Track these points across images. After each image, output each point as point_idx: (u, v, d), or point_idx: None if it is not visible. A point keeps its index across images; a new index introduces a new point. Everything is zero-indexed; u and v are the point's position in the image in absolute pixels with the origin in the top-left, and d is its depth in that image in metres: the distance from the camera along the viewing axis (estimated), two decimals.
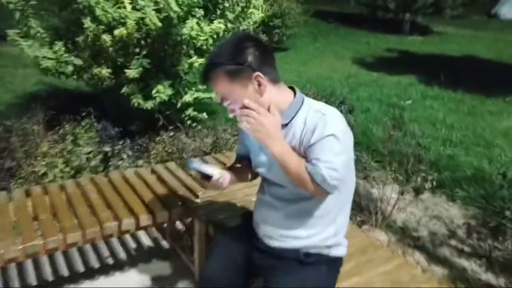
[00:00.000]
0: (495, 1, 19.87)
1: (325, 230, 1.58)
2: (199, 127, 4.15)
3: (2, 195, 2.40)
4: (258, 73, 1.42)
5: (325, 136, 1.39)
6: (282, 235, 1.60)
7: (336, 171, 1.39)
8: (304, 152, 1.46)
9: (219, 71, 1.43)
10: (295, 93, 1.53)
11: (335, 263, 1.65)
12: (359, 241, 2.11)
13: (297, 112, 1.49)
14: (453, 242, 3.24)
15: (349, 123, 3.77)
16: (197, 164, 1.65)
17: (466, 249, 3.13)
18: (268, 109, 1.45)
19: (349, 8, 15.80)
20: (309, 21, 13.85)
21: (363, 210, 3.41)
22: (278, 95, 1.48)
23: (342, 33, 13.18)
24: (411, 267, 1.98)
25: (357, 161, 3.96)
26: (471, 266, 2.97)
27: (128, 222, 2.19)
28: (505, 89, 7.00)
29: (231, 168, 1.74)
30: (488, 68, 9.06)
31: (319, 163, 1.39)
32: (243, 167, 1.76)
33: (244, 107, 1.43)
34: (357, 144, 4.36)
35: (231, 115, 1.51)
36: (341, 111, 3.70)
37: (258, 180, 1.76)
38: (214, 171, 1.62)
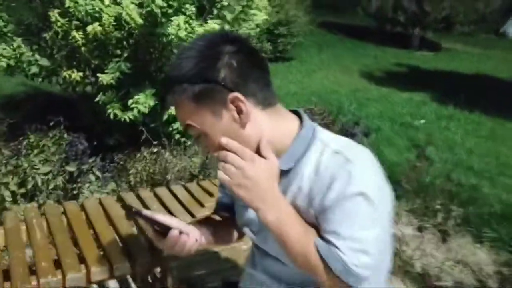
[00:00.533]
0: (504, 20, 19.58)
1: None
2: (189, 143, 3.62)
3: None
4: (236, 94, 0.88)
5: (350, 196, 0.86)
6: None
7: (367, 254, 0.85)
8: (315, 218, 0.91)
9: (180, 93, 0.90)
10: (301, 121, 0.98)
11: None
12: None
13: (306, 151, 0.94)
14: None
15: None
16: (147, 211, 1.07)
17: None
18: (257, 150, 0.91)
19: (356, 20, 15.40)
20: (314, 31, 13.44)
21: None
22: (272, 125, 0.94)
23: (348, 45, 12.74)
24: None
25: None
26: None
27: (75, 277, 1.64)
28: None
29: (205, 222, 1.17)
30: (502, 88, 8.59)
31: (338, 240, 0.86)
32: (224, 221, 1.19)
33: (221, 147, 0.90)
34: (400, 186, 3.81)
35: (204, 154, 0.96)
36: (354, 134, 3.08)
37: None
38: (173, 222, 1.05)
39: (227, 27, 3.00)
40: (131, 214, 0.97)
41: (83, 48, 2.75)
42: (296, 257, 0.89)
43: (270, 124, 0.93)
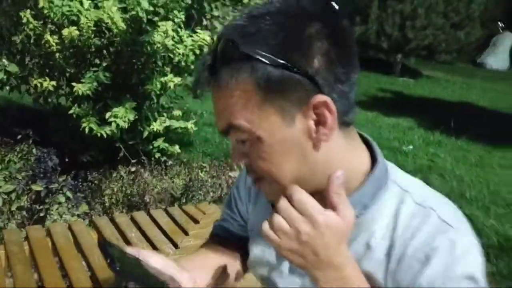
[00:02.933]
0: (480, 51, 20.11)
1: None
2: (170, 162, 3.36)
3: None
4: (327, 98, 0.59)
5: (456, 278, 0.61)
6: None
7: None
8: (389, 273, 0.65)
9: (245, 76, 0.59)
10: (371, 153, 0.73)
11: None
12: None
13: (378, 196, 0.68)
14: None
15: None
16: (131, 250, 0.77)
17: None
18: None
19: None
20: None
21: None
22: (344, 154, 0.66)
23: None
24: None
25: None
26: None
27: None
28: (509, 140, 6.46)
29: (200, 262, 0.87)
30: (486, 116, 8.65)
31: None
32: (225, 255, 0.89)
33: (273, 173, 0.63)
34: None
35: (237, 162, 0.71)
36: None
37: None
38: (167, 267, 0.76)
39: None
40: (108, 255, 0.65)
41: (57, 54, 2.49)
42: None
43: (344, 151, 0.66)
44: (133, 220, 2.04)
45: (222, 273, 0.86)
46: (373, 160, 0.70)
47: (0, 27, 2.74)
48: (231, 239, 0.91)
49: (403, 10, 12.24)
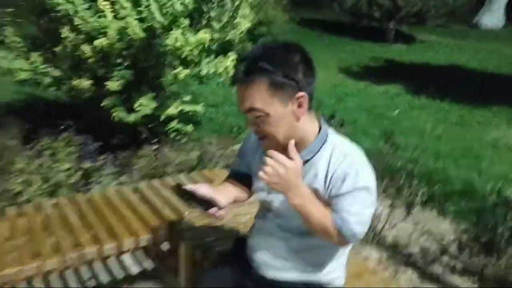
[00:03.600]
0: (476, 11, 20.21)
1: (330, 264, 1.46)
2: (184, 139, 4.02)
3: None
4: (304, 93, 1.24)
5: (359, 188, 1.28)
6: (283, 267, 1.46)
7: (366, 224, 1.31)
8: (328, 197, 1.32)
9: (263, 79, 1.23)
10: (319, 124, 1.37)
11: None
12: (355, 266, 2.00)
13: (320, 149, 1.33)
14: (445, 258, 3.15)
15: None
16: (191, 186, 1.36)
17: (458, 265, 3.05)
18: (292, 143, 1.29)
19: (333, 16, 15.78)
20: (294, 29, 13.86)
21: None
22: (307, 124, 1.32)
23: (326, 41, 13.16)
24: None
25: None
26: (464, 283, 2.89)
27: (109, 247, 2.06)
28: (491, 99, 7.02)
29: (226, 187, 1.54)
30: (473, 78, 9.11)
31: (349, 217, 1.28)
32: (239, 185, 1.55)
33: (272, 133, 1.28)
34: None
35: (251, 129, 1.33)
36: (331, 125, 3.57)
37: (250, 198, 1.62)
38: (211, 193, 1.36)
39: (215, 35, 3.41)
40: (182, 192, 1.32)
41: (90, 60, 3.14)
42: (316, 227, 1.31)
43: (307, 123, 1.31)
44: (164, 184, 2.71)
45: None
46: (320, 128, 1.36)
47: (44, 41, 3.37)
48: (240, 176, 1.58)
49: None
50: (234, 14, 3.47)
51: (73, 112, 3.95)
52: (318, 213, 1.29)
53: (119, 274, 2.69)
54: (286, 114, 1.26)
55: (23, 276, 1.90)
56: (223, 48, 3.60)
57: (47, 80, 3.26)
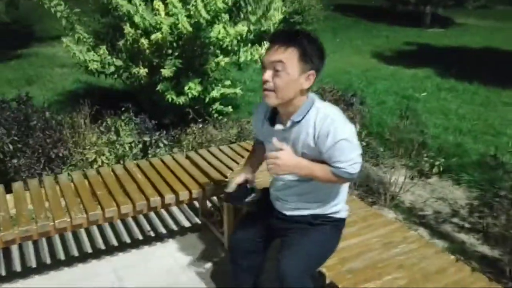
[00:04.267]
0: None
1: (332, 201, 1.94)
2: (225, 119, 4.58)
3: (63, 176, 2.89)
4: (314, 72, 1.72)
5: (339, 140, 1.69)
6: (296, 207, 1.97)
7: (358, 164, 1.75)
8: (319, 152, 1.76)
9: (298, 48, 1.68)
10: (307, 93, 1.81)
11: (338, 223, 2.02)
12: (362, 212, 2.50)
13: (308, 112, 1.76)
14: (455, 219, 3.57)
15: (360, 112, 4.13)
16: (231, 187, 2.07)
17: (467, 225, 3.46)
18: (293, 97, 1.74)
19: (369, 2, 15.88)
20: (329, 16, 14.10)
21: (374, 193, 3.77)
22: (305, 93, 1.77)
23: (362, 27, 13.38)
24: (405, 230, 2.36)
25: (370, 149, 4.32)
26: (470, 240, 3.30)
27: (169, 197, 2.64)
28: None
29: (251, 159, 2.19)
30: (506, 60, 9.17)
31: (341, 164, 1.72)
32: (259, 153, 2.10)
33: (280, 86, 1.71)
34: (371, 134, 4.72)
35: (267, 78, 1.72)
36: (352, 103, 4.07)
37: None
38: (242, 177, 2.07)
39: (252, 27, 3.93)
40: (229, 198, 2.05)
41: (147, 51, 3.73)
42: (322, 180, 1.78)
43: (303, 94, 1.77)
44: (209, 152, 3.28)
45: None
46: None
47: (107, 36, 4.00)
48: (260, 142, 2.10)
49: None
50: (268, 7, 3.97)
51: (129, 97, 4.57)
52: (320, 171, 1.76)
53: (174, 226, 3.31)
54: (296, 80, 1.70)
55: (106, 217, 2.51)
56: (259, 37, 4.11)
57: (111, 69, 3.89)
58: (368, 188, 3.85)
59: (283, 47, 1.69)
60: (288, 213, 1.99)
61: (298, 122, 1.77)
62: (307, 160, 1.78)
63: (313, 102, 1.79)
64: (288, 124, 1.80)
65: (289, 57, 1.68)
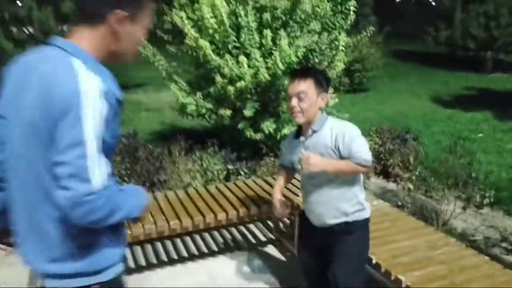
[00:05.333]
0: None
1: (355, 199, 2.34)
2: None
3: (171, 193, 3.67)
4: (326, 94, 2.30)
5: (354, 137, 2.20)
6: (329, 215, 2.33)
7: (369, 151, 2.22)
8: (338, 149, 2.21)
9: (313, 78, 2.24)
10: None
11: (366, 224, 2.40)
12: (413, 224, 3.04)
13: (325, 122, 2.28)
14: (504, 244, 3.95)
15: (414, 148, 4.72)
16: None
17: None
18: (311, 116, 2.26)
19: (429, 48, 16.26)
20: (389, 63, 14.68)
21: (427, 219, 4.24)
22: (320, 111, 2.32)
23: (421, 73, 13.82)
24: (447, 238, 2.88)
25: (425, 181, 4.80)
26: None
27: (243, 211, 3.31)
28: None
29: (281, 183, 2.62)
30: None
31: (359, 153, 2.17)
32: (286, 178, 2.63)
33: (305, 109, 2.23)
34: (426, 169, 5.19)
35: (294, 110, 2.24)
36: (406, 139, 4.68)
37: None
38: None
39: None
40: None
41: (232, 96, 4.57)
42: (348, 172, 2.21)
43: (320, 111, 2.28)
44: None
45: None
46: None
47: (200, 84, 4.94)
48: (285, 167, 2.58)
49: (486, 11, 12.89)
50: (332, 59, 4.71)
51: (210, 135, 5.41)
52: (343, 164, 2.19)
53: (253, 240, 3.97)
54: (315, 101, 2.23)
55: (206, 222, 3.22)
56: None
57: (203, 111, 4.76)
58: (422, 216, 4.31)
59: (304, 80, 2.25)
60: (329, 221, 2.35)
61: (316, 131, 2.27)
62: (330, 160, 2.23)
63: (327, 117, 2.32)
64: (309, 133, 2.30)
65: (308, 86, 2.23)
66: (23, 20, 8.60)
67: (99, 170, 1.24)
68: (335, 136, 2.21)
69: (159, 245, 3.83)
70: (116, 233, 1.45)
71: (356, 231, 2.35)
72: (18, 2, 8.84)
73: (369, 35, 5.81)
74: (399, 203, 4.61)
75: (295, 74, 2.36)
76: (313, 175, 2.29)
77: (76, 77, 1.26)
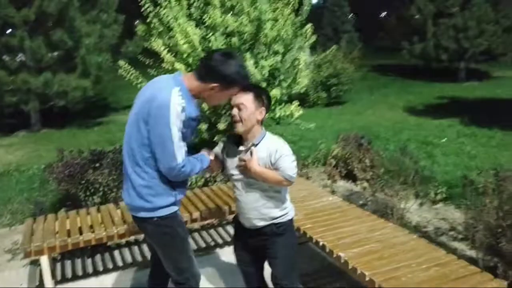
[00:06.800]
0: None
1: (281, 204, 2.62)
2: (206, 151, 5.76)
3: None
4: (264, 108, 2.49)
5: (283, 155, 2.45)
6: (259, 217, 2.58)
7: (295, 169, 2.48)
8: (269, 162, 2.45)
9: (252, 93, 2.45)
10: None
11: (291, 223, 2.71)
12: (358, 213, 3.55)
13: (263, 138, 2.51)
14: (451, 233, 4.46)
15: (368, 150, 5.25)
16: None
17: (460, 236, 4.34)
18: (250, 128, 2.45)
19: (407, 60, 16.97)
20: (367, 76, 15.36)
21: (384, 214, 4.73)
22: (259, 125, 2.51)
23: (398, 84, 14.48)
24: (386, 223, 3.38)
25: (388, 185, 5.30)
26: (461, 246, 4.18)
27: (225, 208, 3.81)
28: None
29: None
30: None
31: (286, 170, 2.43)
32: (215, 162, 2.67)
33: (245, 120, 2.43)
34: (389, 172, 5.71)
35: (235, 119, 2.46)
36: (361, 143, 5.25)
37: None
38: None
39: (284, 91, 5.20)
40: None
41: (207, 112, 5.09)
42: (272, 182, 2.43)
43: (259, 125, 2.47)
44: None
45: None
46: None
47: None
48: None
49: (455, 24, 13.63)
50: (296, 76, 5.27)
51: (191, 149, 5.89)
52: (272, 173, 2.43)
53: (228, 238, 4.44)
54: (254, 113, 2.43)
55: (203, 216, 3.69)
56: (290, 98, 5.38)
57: None
58: (381, 213, 4.81)
59: (245, 93, 2.45)
60: (257, 223, 2.61)
61: (256, 145, 2.50)
62: (262, 167, 2.47)
63: (266, 134, 2.55)
64: (249, 145, 2.51)
65: (248, 99, 2.45)
66: (15, 48, 9.15)
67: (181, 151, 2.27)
68: (269, 152, 2.47)
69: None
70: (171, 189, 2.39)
71: (285, 232, 2.65)
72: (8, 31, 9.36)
73: (337, 52, 6.37)
74: (361, 202, 5.13)
75: (240, 86, 2.56)
76: (246, 180, 2.55)
77: (170, 95, 2.21)
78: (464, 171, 5.85)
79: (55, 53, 9.70)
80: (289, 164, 2.46)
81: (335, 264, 3.13)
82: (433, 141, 7.45)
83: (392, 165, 4.74)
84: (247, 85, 2.52)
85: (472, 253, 4.01)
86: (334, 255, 2.95)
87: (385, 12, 26.72)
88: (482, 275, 2.63)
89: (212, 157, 2.62)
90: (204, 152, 2.60)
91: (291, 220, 2.71)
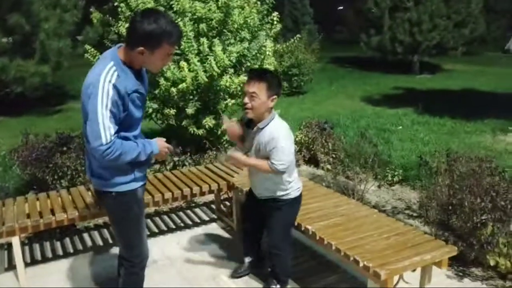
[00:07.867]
0: (508, 37, 21.30)
1: (284, 184, 2.91)
2: (233, 148, 5.90)
3: None
4: (276, 97, 2.73)
5: (277, 147, 2.68)
6: (264, 190, 2.98)
7: (286, 163, 2.72)
8: (268, 147, 2.72)
9: (266, 82, 2.64)
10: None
11: (293, 202, 3.01)
12: (324, 192, 3.77)
13: (269, 123, 2.75)
14: (407, 211, 4.78)
15: (330, 135, 5.53)
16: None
17: (415, 214, 4.67)
18: (260, 114, 2.80)
19: (364, 53, 17.49)
20: (326, 67, 15.73)
21: (347, 196, 5.00)
22: (269, 111, 2.79)
23: (356, 76, 14.93)
24: (350, 200, 3.61)
25: (349, 167, 5.57)
26: (415, 223, 4.50)
27: (196, 189, 3.93)
28: (486, 113, 8.51)
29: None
30: (479, 98, 10.53)
31: (274, 161, 2.69)
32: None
33: (254, 106, 2.81)
34: (350, 156, 5.99)
35: (246, 106, 2.69)
36: (325, 128, 5.48)
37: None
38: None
39: None
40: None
41: (175, 97, 5.16)
42: (261, 170, 2.81)
43: (269, 111, 2.78)
44: (222, 164, 4.58)
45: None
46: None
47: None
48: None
49: (410, 18, 14.15)
50: (262, 63, 5.42)
51: (159, 134, 5.95)
52: (259, 165, 2.76)
53: (196, 219, 4.57)
54: (265, 101, 2.69)
55: (165, 198, 3.79)
56: None
57: (149, 111, 5.31)
58: (342, 194, 5.07)
59: (258, 82, 2.67)
60: (262, 195, 3.02)
61: (261, 129, 2.76)
62: (253, 158, 2.84)
63: (273, 117, 2.79)
64: (255, 129, 2.80)
65: (260, 88, 2.66)
66: None
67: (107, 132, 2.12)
68: (269, 138, 2.70)
69: None
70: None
71: (283, 208, 2.96)
72: None
73: (298, 42, 6.54)
74: (324, 184, 5.37)
75: (252, 75, 2.76)
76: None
77: (101, 73, 2.12)
78: (418, 155, 6.23)
79: (10, 38, 9.39)
80: (279, 157, 2.66)
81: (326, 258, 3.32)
82: (389, 128, 7.82)
83: (353, 149, 4.99)
84: (261, 73, 2.74)
85: (426, 229, 4.31)
86: (303, 228, 3.15)
87: (342, 6, 27.31)
88: (436, 242, 2.90)
89: (225, 126, 2.94)
90: (157, 139, 2.52)
91: (293, 199, 2.97)
